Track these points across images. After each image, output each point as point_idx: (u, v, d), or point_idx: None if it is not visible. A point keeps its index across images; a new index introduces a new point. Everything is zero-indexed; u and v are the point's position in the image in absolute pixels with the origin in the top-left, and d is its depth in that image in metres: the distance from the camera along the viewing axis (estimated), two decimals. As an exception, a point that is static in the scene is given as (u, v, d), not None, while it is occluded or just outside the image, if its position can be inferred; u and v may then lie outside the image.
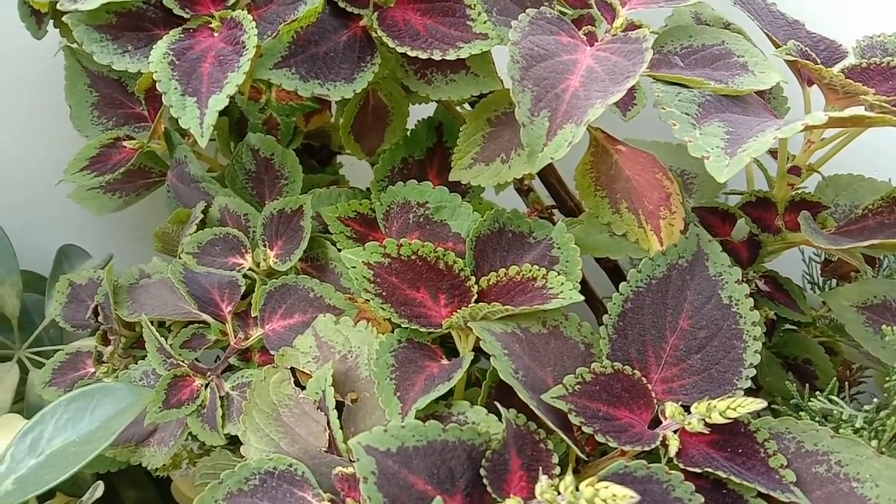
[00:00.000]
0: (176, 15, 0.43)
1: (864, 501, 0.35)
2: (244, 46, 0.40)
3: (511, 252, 0.46)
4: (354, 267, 0.42)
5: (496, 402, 0.37)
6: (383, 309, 0.41)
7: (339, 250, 0.50)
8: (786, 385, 0.62)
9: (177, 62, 0.40)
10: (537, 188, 0.61)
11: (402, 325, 0.41)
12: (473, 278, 0.44)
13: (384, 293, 0.42)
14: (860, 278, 0.64)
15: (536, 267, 0.43)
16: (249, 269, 0.53)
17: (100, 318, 0.54)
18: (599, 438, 0.36)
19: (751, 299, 0.41)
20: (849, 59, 0.54)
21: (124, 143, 0.64)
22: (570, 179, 0.58)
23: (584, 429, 0.36)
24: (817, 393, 0.47)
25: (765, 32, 0.54)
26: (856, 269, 0.66)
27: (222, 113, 0.67)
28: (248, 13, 0.42)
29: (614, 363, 0.40)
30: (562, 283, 0.41)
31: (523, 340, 0.40)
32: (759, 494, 0.36)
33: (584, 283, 0.65)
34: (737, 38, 0.48)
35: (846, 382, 0.71)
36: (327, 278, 0.51)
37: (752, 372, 0.40)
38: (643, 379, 0.40)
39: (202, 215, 0.56)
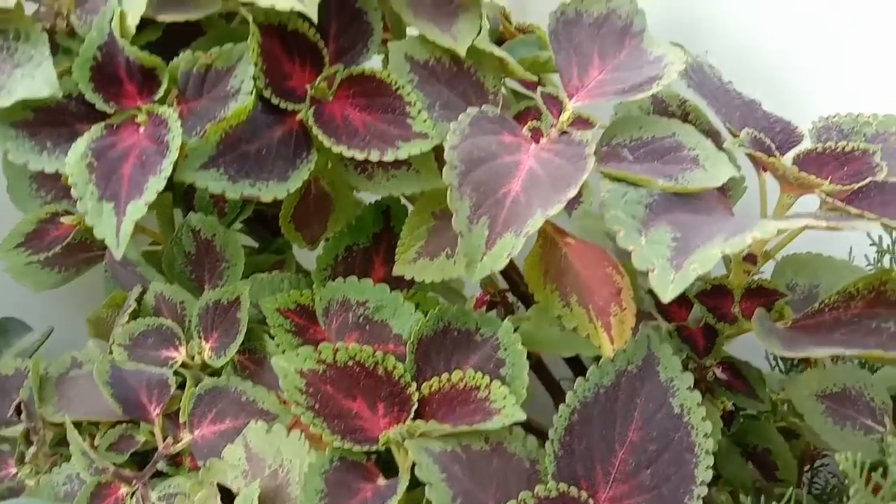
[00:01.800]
0: (99, 110, 0.41)
1: None
2: (168, 147, 0.38)
3: (456, 352, 0.44)
4: (286, 376, 0.40)
5: None
6: (315, 424, 0.39)
7: (277, 345, 0.48)
8: (745, 475, 0.60)
9: (96, 163, 0.38)
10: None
11: (335, 444, 0.39)
12: (414, 384, 0.42)
13: (317, 405, 0.40)
14: (820, 362, 0.63)
15: (480, 374, 0.41)
16: (183, 363, 0.51)
17: (22, 417, 0.51)
18: None
19: (703, 409, 0.39)
20: (805, 142, 0.53)
21: (62, 219, 0.62)
22: (521, 263, 0.56)
23: None
24: None
25: (721, 120, 0.53)
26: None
27: (166, 186, 0.66)
28: (177, 107, 0.40)
29: (559, 484, 0.37)
30: (504, 397, 0.39)
31: (464, 461, 0.38)
32: None
33: (540, 365, 0.64)
34: (687, 129, 0.46)
35: (807, 463, 0.69)
36: (265, 374, 0.49)
37: (704, 491, 0.38)
38: (590, 500, 0.37)
39: (136, 304, 0.53)
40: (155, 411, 0.47)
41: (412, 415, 0.41)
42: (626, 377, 0.41)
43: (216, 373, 0.50)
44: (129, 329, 0.51)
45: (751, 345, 0.61)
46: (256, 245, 0.68)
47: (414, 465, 0.38)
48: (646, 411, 0.40)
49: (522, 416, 0.38)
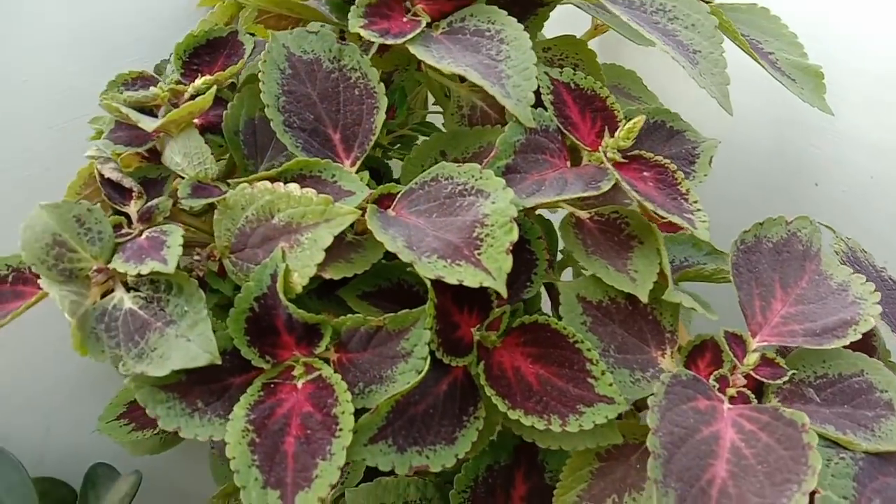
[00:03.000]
0: (254, 365, 0.37)
1: None
2: (336, 422, 0.34)
3: None
4: None
5: None
6: None
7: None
8: None
9: (257, 440, 0.35)
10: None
11: None
12: None
13: None
14: None
15: None
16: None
17: None
18: None
19: None
20: None
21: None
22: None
23: None
24: None
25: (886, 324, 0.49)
26: None
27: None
28: (336, 356, 0.37)
29: None
30: None
31: None
32: None
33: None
34: (876, 366, 0.42)
35: None
36: None
37: None
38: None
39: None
40: None
41: None
42: None
43: None
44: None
45: None
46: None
47: None
48: None
49: None
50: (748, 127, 0.70)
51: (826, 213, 0.63)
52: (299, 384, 0.37)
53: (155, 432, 0.58)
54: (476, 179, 0.38)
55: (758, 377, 0.40)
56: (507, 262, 0.35)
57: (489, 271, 0.35)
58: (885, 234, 0.63)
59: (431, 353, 0.37)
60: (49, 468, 0.71)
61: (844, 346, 0.42)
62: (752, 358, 0.40)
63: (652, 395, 0.35)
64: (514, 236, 0.35)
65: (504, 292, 0.34)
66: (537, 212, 0.47)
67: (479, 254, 0.35)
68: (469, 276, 0.34)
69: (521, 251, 0.41)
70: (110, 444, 0.64)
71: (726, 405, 0.38)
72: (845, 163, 0.64)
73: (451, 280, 0.34)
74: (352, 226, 0.38)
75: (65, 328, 0.35)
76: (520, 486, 0.47)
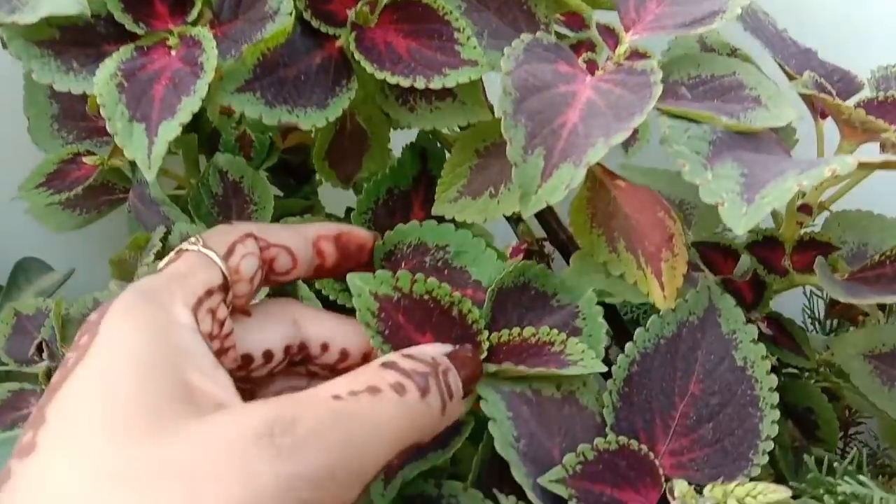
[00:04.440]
0: (129, 31, 0.38)
1: None
2: (202, 68, 0.35)
3: (531, 311, 0.42)
4: (360, 295, 0.38)
5: (495, 487, 0.33)
6: (383, 350, 0.37)
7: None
8: (784, 433, 0.59)
9: (126, 84, 0.36)
10: (528, 218, 0.57)
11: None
12: (487, 332, 0.39)
13: (387, 332, 0.37)
14: (868, 321, 0.60)
15: (556, 331, 0.39)
16: (210, 306, 0.48)
17: (44, 356, 0.49)
18: None
19: (767, 362, 0.37)
20: (864, 91, 0.51)
21: (84, 160, 0.60)
22: (562, 211, 0.54)
23: None
24: (846, 476, 0.43)
25: (777, 62, 0.50)
26: (863, 313, 0.62)
27: (190, 128, 0.63)
28: (210, 30, 0.38)
29: (619, 437, 0.36)
30: (583, 351, 0.37)
31: (533, 403, 0.36)
32: None
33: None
34: (748, 68, 0.43)
35: (845, 427, 0.67)
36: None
37: (770, 446, 0.36)
38: (650, 454, 0.35)
39: (161, 244, 0.51)
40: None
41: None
42: (686, 328, 0.39)
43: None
44: (153, 269, 0.49)
45: (787, 308, 0.59)
46: (282, 194, 0.66)
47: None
48: (707, 364, 0.38)
49: (602, 367, 0.36)
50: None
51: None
52: (172, 52, 0.38)
53: (71, 194, 0.59)
54: None
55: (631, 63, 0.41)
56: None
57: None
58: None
59: (304, 22, 0.39)
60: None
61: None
62: (622, 48, 0.41)
63: (509, 47, 0.36)
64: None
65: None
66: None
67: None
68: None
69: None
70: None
71: (588, 76, 0.39)
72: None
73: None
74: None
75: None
76: (418, 211, 0.49)
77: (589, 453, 0.34)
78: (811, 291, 0.72)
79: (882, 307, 0.57)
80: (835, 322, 0.67)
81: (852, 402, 0.62)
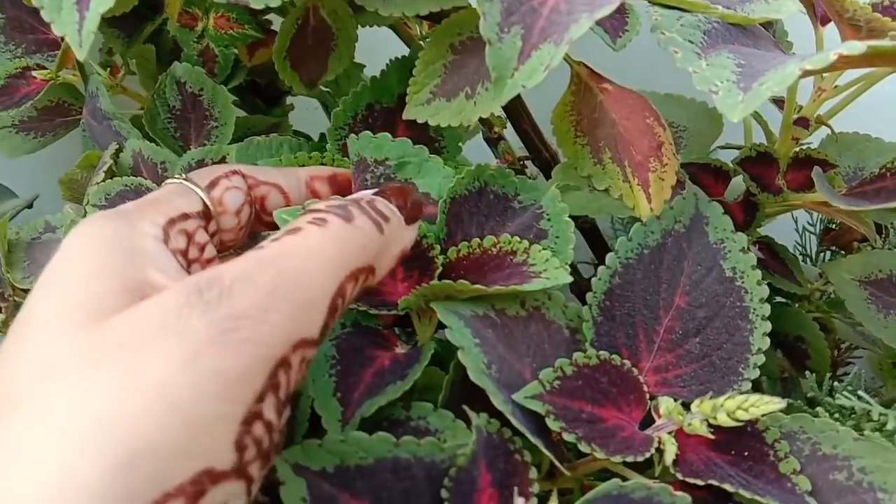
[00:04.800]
0: None
1: (892, 515, 0.29)
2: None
3: (491, 218, 0.38)
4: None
5: (464, 405, 0.30)
6: None
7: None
8: (773, 363, 0.56)
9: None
10: (509, 137, 0.54)
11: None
12: (438, 247, 0.36)
13: None
14: (862, 250, 0.58)
15: (517, 239, 0.36)
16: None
17: (-12, 277, 0.46)
18: (583, 448, 0.29)
19: (758, 271, 0.35)
20: (866, -2, 0.48)
21: (34, 74, 0.56)
22: (545, 128, 0.51)
23: (565, 436, 0.29)
24: (845, 392, 0.40)
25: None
26: (857, 239, 0.60)
27: (148, 39, 0.59)
28: None
29: (600, 352, 0.33)
30: (546, 260, 0.34)
31: (498, 325, 0.33)
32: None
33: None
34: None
35: (834, 366, 0.65)
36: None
37: (761, 359, 0.33)
38: (634, 369, 0.33)
39: (112, 161, 0.47)
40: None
41: (436, 279, 0.35)
42: (672, 237, 0.36)
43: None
44: (104, 188, 0.46)
45: (779, 234, 0.57)
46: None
47: (436, 334, 0.34)
48: (694, 275, 0.35)
49: (567, 279, 0.33)
50: None
51: None
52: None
53: (25, 116, 0.55)
54: None
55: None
56: None
57: None
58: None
59: None
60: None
61: None
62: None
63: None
64: None
65: None
66: None
67: None
68: None
69: None
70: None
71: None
72: None
73: None
74: None
75: None
76: (402, 132, 0.45)
77: (568, 368, 0.32)
78: (803, 228, 0.70)
79: (879, 232, 0.54)
80: (827, 256, 0.65)
81: (843, 334, 0.60)
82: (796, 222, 0.69)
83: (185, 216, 0.31)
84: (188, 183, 0.32)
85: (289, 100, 0.66)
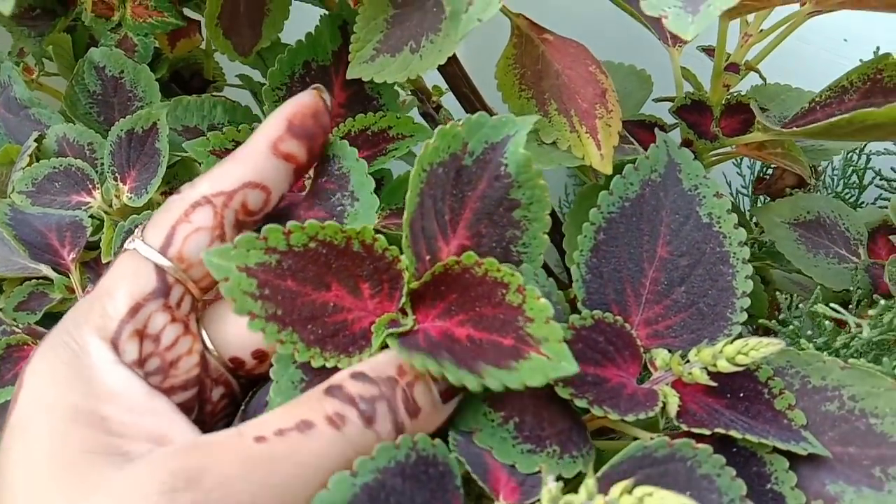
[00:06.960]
0: None
1: (885, 439, 0.29)
2: None
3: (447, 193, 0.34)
4: (228, 278, 0.28)
5: None
6: (283, 341, 0.28)
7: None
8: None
9: None
10: (448, 105, 0.53)
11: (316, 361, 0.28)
12: (408, 261, 0.31)
13: (280, 312, 0.28)
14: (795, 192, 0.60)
15: (509, 270, 0.29)
16: (99, 208, 0.43)
17: None
18: (596, 411, 0.29)
19: (734, 216, 0.35)
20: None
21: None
22: (486, 91, 0.51)
23: (577, 402, 0.29)
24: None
25: None
26: (790, 186, 0.62)
27: (65, 30, 0.56)
28: None
29: (593, 312, 0.32)
30: (546, 322, 0.28)
31: None
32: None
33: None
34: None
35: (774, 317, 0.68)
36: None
37: (747, 302, 0.33)
38: (626, 325, 0.33)
39: (35, 144, 0.44)
40: (70, 255, 0.39)
41: (405, 298, 0.31)
42: (650, 186, 0.36)
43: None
44: (31, 172, 0.43)
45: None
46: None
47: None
48: (673, 223, 0.35)
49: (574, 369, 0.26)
50: None
51: None
52: None
53: None
54: None
55: None
56: None
57: None
58: None
59: None
60: None
61: None
62: None
63: None
64: None
65: None
66: None
67: None
68: None
69: None
70: None
71: None
72: None
73: None
74: None
75: None
76: (339, 92, 0.44)
77: (567, 333, 0.31)
78: (737, 190, 0.72)
79: (815, 174, 0.56)
80: (760, 202, 0.67)
81: (781, 285, 0.62)
82: (730, 185, 0.71)
83: (136, 308, 0.29)
84: (143, 248, 0.30)
85: (215, 92, 0.64)
